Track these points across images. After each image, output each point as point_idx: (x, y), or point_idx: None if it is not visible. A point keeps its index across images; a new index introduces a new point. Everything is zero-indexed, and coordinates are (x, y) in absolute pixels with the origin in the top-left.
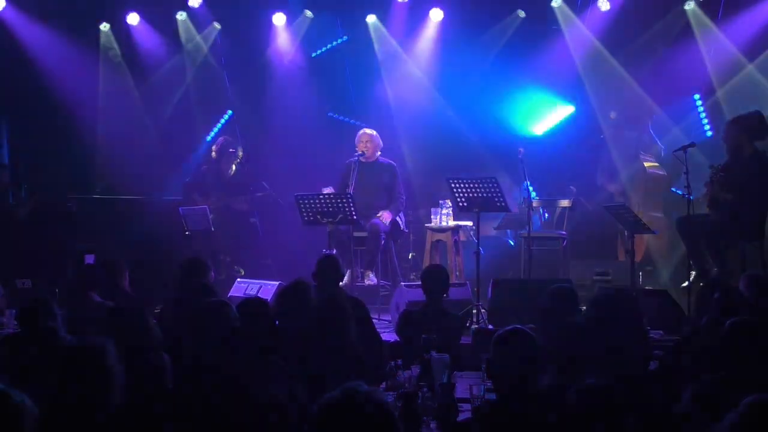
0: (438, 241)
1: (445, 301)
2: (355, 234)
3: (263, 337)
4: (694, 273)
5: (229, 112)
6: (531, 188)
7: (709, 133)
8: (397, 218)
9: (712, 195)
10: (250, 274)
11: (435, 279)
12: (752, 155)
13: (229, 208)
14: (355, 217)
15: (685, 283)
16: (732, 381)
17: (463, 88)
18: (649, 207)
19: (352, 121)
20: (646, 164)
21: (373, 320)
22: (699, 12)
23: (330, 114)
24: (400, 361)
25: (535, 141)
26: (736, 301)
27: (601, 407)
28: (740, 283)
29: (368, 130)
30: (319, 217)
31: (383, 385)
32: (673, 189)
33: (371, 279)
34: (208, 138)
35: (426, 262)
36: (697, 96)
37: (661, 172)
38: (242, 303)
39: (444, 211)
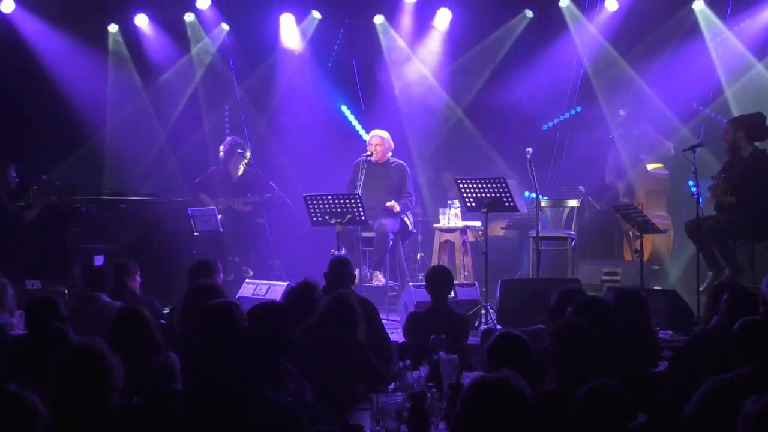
0: (446, 241)
1: (453, 301)
2: (364, 234)
3: (275, 341)
4: (711, 274)
5: (225, 107)
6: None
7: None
8: (406, 218)
9: (717, 200)
10: (259, 275)
11: (439, 279)
12: (752, 154)
13: (234, 209)
14: (363, 218)
15: (702, 287)
16: (743, 381)
17: (471, 88)
18: (652, 207)
19: (356, 128)
20: (648, 165)
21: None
22: (707, 11)
23: (343, 105)
24: (408, 362)
25: (543, 140)
26: (745, 302)
27: (610, 408)
28: (762, 283)
29: (379, 132)
30: (327, 217)
31: (392, 385)
32: (691, 183)
33: (379, 279)
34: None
35: (434, 263)
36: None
37: (663, 172)
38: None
39: (452, 211)
